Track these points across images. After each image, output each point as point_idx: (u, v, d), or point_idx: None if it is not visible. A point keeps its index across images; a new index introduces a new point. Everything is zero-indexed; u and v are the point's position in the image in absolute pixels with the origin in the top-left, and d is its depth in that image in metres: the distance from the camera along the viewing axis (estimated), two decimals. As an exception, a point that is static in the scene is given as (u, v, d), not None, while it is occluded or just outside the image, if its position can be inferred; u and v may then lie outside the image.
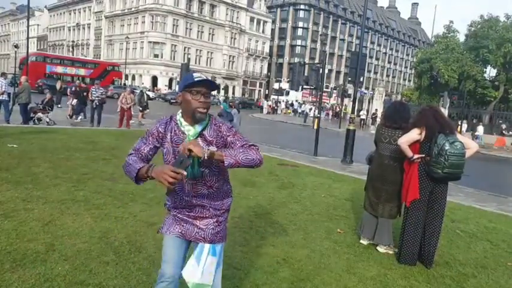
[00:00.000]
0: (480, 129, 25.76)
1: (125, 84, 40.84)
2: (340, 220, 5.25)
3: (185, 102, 1.98)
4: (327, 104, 45.91)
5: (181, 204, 2.12)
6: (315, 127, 13.33)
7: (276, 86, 53.86)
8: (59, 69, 35.77)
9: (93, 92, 14.05)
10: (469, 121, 29.57)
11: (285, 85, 52.43)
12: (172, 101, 35.11)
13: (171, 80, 54.76)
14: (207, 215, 2.12)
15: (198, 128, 2.00)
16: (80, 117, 15.30)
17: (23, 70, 28.72)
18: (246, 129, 20.14)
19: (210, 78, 1.99)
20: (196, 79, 1.93)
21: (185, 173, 1.77)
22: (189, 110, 1.96)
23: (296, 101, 47.75)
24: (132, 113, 14.69)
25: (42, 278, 2.90)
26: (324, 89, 53.27)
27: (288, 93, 49.02)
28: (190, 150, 1.78)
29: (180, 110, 2.05)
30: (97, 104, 13.84)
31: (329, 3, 73.27)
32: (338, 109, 36.84)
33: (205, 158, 1.81)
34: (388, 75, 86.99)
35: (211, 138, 2.02)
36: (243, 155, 1.90)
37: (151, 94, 40.05)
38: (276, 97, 48.58)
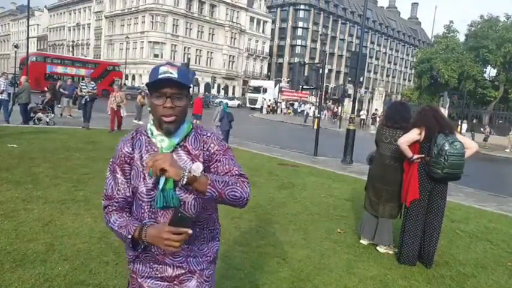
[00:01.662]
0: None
1: (125, 84, 40.78)
2: (340, 220, 5.25)
3: (151, 104, 1.46)
4: (307, 100, 44.84)
5: (148, 257, 1.50)
6: (315, 127, 13.33)
7: (252, 83, 49.88)
8: (59, 69, 35.73)
9: (83, 87, 12.69)
10: (469, 121, 29.54)
11: (262, 82, 48.58)
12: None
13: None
14: (186, 270, 1.51)
15: (175, 138, 1.47)
16: (52, 115, 13.28)
17: (23, 70, 28.73)
18: (246, 130, 20.12)
19: (176, 77, 1.41)
20: (159, 77, 1.40)
21: (190, 231, 1.31)
22: (155, 118, 1.46)
23: (297, 101, 46.82)
24: (123, 115, 13.15)
25: (42, 278, 2.90)
26: (306, 87, 52.24)
27: (265, 91, 44.88)
28: (163, 171, 1.29)
29: (150, 118, 1.54)
30: (87, 99, 12.46)
31: (329, 3, 73.28)
32: (336, 109, 36.82)
33: (184, 183, 1.31)
34: (388, 75, 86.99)
35: (197, 151, 1.49)
36: (230, 189, 1.39)
37: None
38: (252, 95, 45.01)
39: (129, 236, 1.40)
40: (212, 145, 1.51)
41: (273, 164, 9.34)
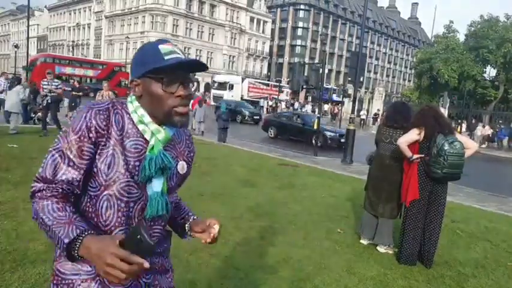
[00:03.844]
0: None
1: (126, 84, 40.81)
2: (340, 220, 5.25)
3: (151, 96, 1.14)
4: (276, 98, 42.01)
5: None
6: (315, 127, 13.32)
7: (217, 78, 43.24)
8: (68, 70, 35.84)
9: (45, 85, 10.34)
10: (469, 121, 29.55)
11: (228, 78, 42.38)
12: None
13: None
14: (166, 268, 1.32)
15: (171, 130, 1.21)
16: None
17: (32, 71, 29.04)
18: (246, 130, 20.12)
19: (185, 56, 1.18)
20: (169, 60, 1.11)
21: (147, 264, 0.93)
22: (159, 110, 1.15)
23: (266, 98, 41.44)
24: None
25: (42, 278, 2.90)
26: (274, 83, 50.10)
27: (231, 87, 39.76)
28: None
29: (133, 98, 1.19)
30: (49, 101, 10.26)
31: (329, 3, 73.24)
32: (337, 110, 36.79)
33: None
34: (388, 75, 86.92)
35: (183, 147, 1.29)
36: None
37: None
38: (217, 92, 38.86)
39: (66, 240, 0.98)
40: (192, 152, 1.36)
41: (273, 164, 9.34)
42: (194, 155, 1.36)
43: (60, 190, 1.09)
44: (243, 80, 42.88)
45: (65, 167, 1.09)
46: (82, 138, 1.09)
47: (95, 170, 1.11)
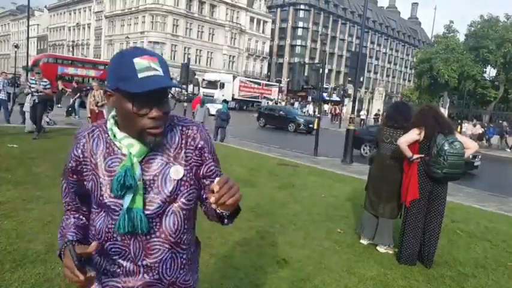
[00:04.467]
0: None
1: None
2: (340, 220, 5.25)
3: (122, 112, 1.11)
4: (270, 97, 41.81)
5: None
6: (315, 127, 13.32)
7: (207, 76, 41.00)
8: (70, 70, 35.87)
9: (32, 84, 9.60)
10: (468, 121, 29.56)
11: (219, 76, 40.67)
12: None
13: (170, 80, 54.67)
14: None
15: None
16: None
17: (34, 71, 28.97)
18: (246, 130, 20.13)
19: (164, 76, 1.10)
20: (141, 84, 1.04)
21: (82, 277, 1.05)
22: (131, 128, 1.12)
23: (258, 97, 41.01)
24: (106, 116, 10.55)
25: (42, 278, 2.90)
26: (267, 82, 49.37)
27: (222, 86, 37.79)
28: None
29: (113, 113, 1.19)
30: (37, 101, 9.48)
31: (329, 3, 73.24)
32: (338, 110, 36.80)
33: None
34: (388, 75, 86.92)
35: (177, 149, 1.19)
36: None
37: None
38: (207, 91, 36.30)
39: (57, 253, 1.19)
40: (201, 144, 1.22)
41: (273, 164, 9.33)
42: (203, 151, 1.22)
43: (71, 206, 1.29)
44: (234, 78, 41.14)
45: (67, 190, 1.27)
46: (69, 169, 1.23)
47: (89, 193, 1.23)
